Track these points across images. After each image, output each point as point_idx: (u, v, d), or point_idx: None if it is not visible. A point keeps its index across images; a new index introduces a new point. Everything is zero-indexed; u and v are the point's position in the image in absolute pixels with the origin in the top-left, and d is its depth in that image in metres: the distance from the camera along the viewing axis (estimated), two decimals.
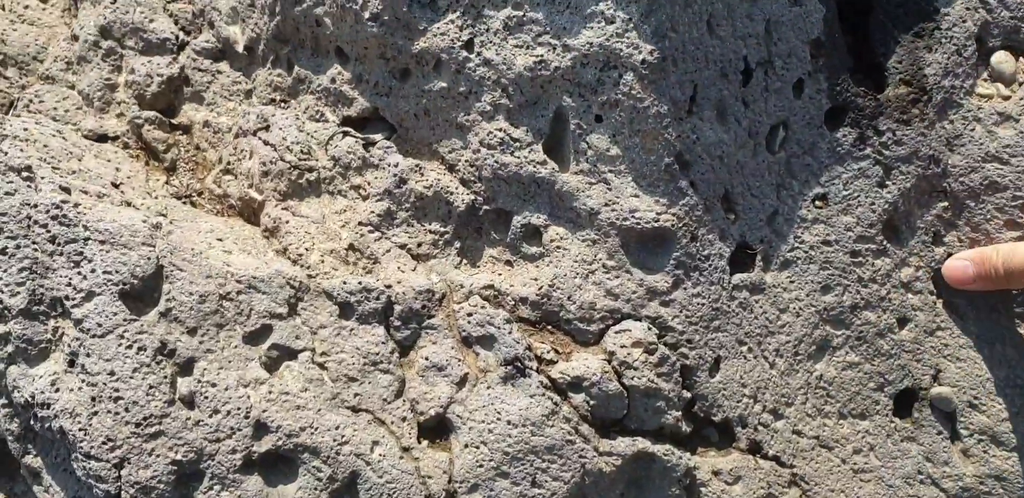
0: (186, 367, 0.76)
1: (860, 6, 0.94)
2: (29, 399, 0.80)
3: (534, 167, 0.87)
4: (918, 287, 0.96)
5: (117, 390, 0.75)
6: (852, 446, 0.93)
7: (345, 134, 0.94)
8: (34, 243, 0.82)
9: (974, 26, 0.93)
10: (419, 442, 0.81)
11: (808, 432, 0.92)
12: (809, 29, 0.89)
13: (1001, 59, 0.93)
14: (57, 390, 0.78)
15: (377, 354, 0.82)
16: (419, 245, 0.91)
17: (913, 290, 0.95)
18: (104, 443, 0.74)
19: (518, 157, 0.87)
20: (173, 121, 1.07)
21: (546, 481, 0.80)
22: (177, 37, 1.09)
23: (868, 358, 0.94)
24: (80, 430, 0.75)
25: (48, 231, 0.82)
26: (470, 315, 0.86)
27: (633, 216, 0.85)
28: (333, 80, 0.95)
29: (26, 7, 1.20)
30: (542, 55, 0.84)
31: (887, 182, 0.93)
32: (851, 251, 0.93)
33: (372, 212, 0.91)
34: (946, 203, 0.95)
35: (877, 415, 0.94)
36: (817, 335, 0.93)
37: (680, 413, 0.87)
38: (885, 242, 0.94)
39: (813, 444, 0.93)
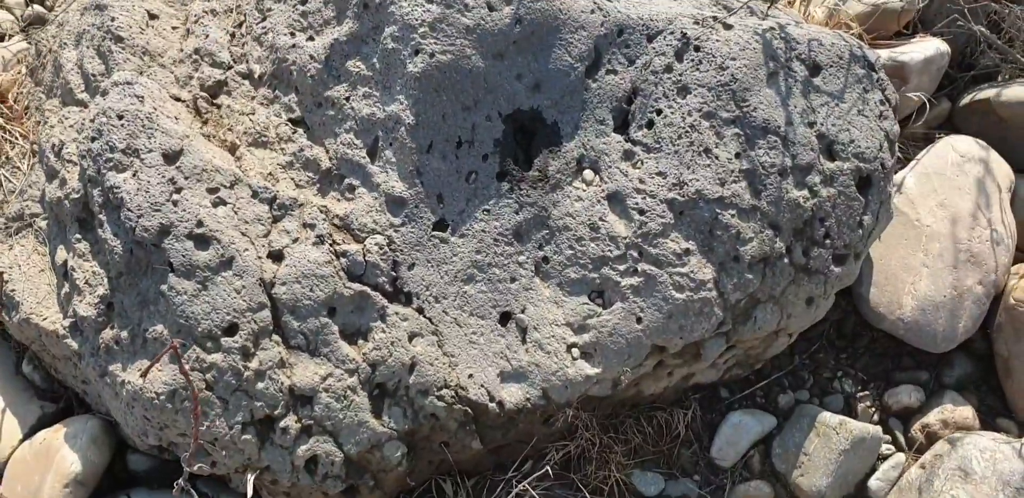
0: None
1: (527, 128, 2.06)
2: None
3: None
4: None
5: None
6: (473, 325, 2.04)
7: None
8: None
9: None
10: None
11: (451, 313, 2.02)
12: (496, 132, 2.02)
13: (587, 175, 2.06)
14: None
15: None
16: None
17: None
18: None
19: None
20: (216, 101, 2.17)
21: None
22: None
23: (491, 287, 2.04)
24: None
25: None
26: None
27: None
28: None
29: None
30: None
31: (519, 212, 2.04)
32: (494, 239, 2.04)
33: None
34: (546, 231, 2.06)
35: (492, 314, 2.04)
36: (470, 272, 2.03)
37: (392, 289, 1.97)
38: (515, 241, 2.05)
39: (451, 320, 2.02)
